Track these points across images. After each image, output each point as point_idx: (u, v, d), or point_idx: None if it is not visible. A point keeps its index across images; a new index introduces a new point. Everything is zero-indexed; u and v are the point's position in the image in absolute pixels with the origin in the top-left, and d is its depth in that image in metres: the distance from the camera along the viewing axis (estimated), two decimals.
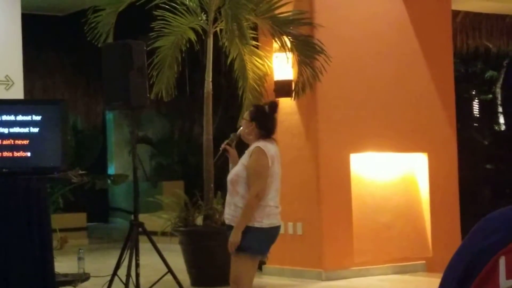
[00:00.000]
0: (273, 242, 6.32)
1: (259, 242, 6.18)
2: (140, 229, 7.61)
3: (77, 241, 13.66)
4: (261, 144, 6.18)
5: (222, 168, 10.82)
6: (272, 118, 6.34)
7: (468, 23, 13.00)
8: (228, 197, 6.30)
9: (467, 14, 12.64)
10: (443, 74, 10.74)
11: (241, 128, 6.44)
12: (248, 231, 6.12)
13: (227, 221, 6.31)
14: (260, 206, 6.14)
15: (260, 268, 10.46)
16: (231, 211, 6.21)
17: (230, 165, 6.50)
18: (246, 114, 6.43)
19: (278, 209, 6.27)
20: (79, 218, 14.97)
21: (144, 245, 7.74)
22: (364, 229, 10.01)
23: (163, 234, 9.98)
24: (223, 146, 6.52)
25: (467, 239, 1.15)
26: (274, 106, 6.45)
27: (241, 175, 6.17)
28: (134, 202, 7.95)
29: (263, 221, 6.14)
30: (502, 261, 1.04)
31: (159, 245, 7.75)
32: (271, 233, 6.26)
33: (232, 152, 6.47)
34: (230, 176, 6.28)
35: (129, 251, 7.49)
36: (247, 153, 6.26)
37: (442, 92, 10.66)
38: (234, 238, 6.08)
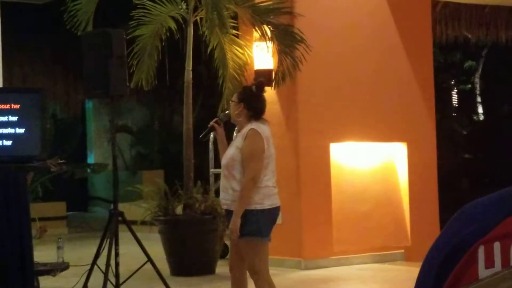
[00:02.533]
0: (275, 222, 6.25)
1: (265, 224, 6.10)
2: (119, 218, 7.59)
3: (56, 230, 13.61)
4: (255, 125, 6.12)
5: (203, 157, 10.83)
6: (261, 98, 6.30)
7: (447, 13, 13.04)
8: (224, 182, 6.21)
9: (447, 4, 12.67)
10: (423, 64, 10.77)
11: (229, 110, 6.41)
12: (251, 215, 6.05)
13: (225, 207, 6.23)
14: (259, 188, 6.08)
15: None
16: (229, 195, 6.13)
17: (219, 144, 6.48)
18: (234, 96, 6.38)
19: (276, 189, 6.23)
20: (59, 207, 14.92)
21: (124, 234, 7.72)
22: (344, 218, 10.04)
23: (143, 223, 9.96)
24: (211, 123, 6.48)
25: (445, 228, 1.15)
26: (261, 86, 6.41)
27: (236, 158, 6.10)
28: (114, 191, 7.92)
29: (264, 203, 6.08)
30: (481, 251, 1.05)
31: (138, 234, 7.73)
32: (273, 214, 6.20)
33: (220, 130, 6.43)
34: (225, 160, 6.20)
35: (108, 240, 7.47)
36: (240, 136, 6.18)
37: (421, 82, 10.70)
38: (234, 224, 6.01)
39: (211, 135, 8.03)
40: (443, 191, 11.27)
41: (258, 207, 6.05)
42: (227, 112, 6.51)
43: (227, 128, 6.72)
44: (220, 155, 6.47)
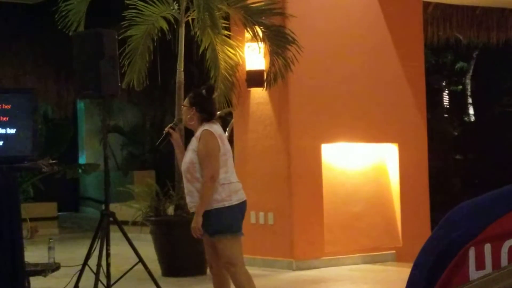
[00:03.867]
0: (243, 217, 6.43)
1: (236, 219, 6.29)
2: (111, 219, 7.58)
3: (47, 231, 13.59)
4: (207, 126, 6.29)
5: None
6: (211, 101, 6.46)
7: (439, 14, 13.06)
8: (188, 186, 6.34)
9: (438, 5, 12.70)
10: (414, 65, 10.79)
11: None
12: (221, 213, 6.21)
13: (193, 209, 6.37)
14: (224, 185, 6.25)
15: None
16: (194, 198, 6.28)
17: (176, 149, 6.62)
18: (185, 101, 6.51)
19: (240, 184, 6.41)
20: (50, 208, 14.90)
21: (115, 235, 7.72)
22: (335, 219, 10.05)
23: (134, 223, 9.96)
24: (166, 129, 6.63)
25: (436, 230, 1.16)
26: (210, 89, 6.59)
27: (195, 161, 6.26)
28: (105, 192, 7.91)
29: (232, 198, 6.25)
30: (471, 252, 1.05)
31: (130, 235, 7.72)
32: (241, 208, 6.37)
33: (176, 136, 6.58)
34: (185, 166, 6.35)
35: (99, 241, 7.46)
36: (194, 139, 6.35)
37: (413, 83, 10.72)
38: (196, 223, 6.18)
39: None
40: (434, 192, 11.30)
41: (227, 204, 6.22)
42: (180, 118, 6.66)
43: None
44: (178, 160, 6.64)
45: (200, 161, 6.22)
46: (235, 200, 6.25)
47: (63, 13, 9.45)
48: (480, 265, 1.04)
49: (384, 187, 10.56)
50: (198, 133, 6.30)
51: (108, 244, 7.45)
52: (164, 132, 6.65)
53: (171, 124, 6.66)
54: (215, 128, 6.31)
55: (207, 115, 6.33)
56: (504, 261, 1.04)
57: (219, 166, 6.23)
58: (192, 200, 6.33)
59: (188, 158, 6.33)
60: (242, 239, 6.39)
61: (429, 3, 12.41)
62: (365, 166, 10.45)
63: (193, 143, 6.34)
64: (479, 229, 1.09)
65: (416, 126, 10.74)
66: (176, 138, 6.58)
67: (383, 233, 10.42)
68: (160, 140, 6.69)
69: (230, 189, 6.25)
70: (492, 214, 1.10)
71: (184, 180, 6.42)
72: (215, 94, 6.68)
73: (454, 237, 1.11)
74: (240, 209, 6.33)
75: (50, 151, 12.72)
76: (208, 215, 6.20)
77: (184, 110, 6.48)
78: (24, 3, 14.86)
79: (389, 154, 10.59)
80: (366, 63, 10.34)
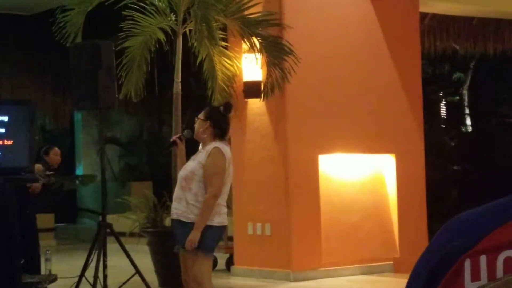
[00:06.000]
0: (219, 241, 6.60)
1: (211, 240, 6.34)
2: (108, 230, 7.58)
3: (44, 242, 13.53)
4: (219, 145, 6.32)
5: None
6: (226, 119, 6.49)
7: (436, 25, 13.10)
8: (178, 192, 6.37)
9: (435, 16, 12.73)
10: (411, 76, 10.81)
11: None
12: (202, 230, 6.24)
13: (175, 216, 6.37)
14: None
15: (228, 269, 10.46)
16: (182, 206, 6.30)
17: (178, 159, 6.66)
18: (201, 114, 6.54)
19: (226, 209, 6.46)
20: (47, 219, 14.86)
21: (112, 246, 7.71)
22: (332, 230, 10.05)
23: (131, 235, 9.94)
24: (174, 138, 6.74)
25: (432, 241, 1.16)
26: (228, 107, 6.60)
27: (196, 172, 6.27)
28: (102, 203, 7.91)
29: (214, 219, 6.29)
30: (467, 264, 1.05)
31: (127, 246, 7.72)
32: (220, 232, 6.46)
33: (181, 146, 6.66)
34: (184, 172, 6.36)
35: (96, 252, 7.45)
36: (204, 152, 6.34)
37: (410, 94, 10.73)
38: (194, 236, 6.18)
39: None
40: (432, 203, 11.29)
41: (208, 222, 6.25)
42: (190, 130, 6.71)
43: (193, 146, 6.85)
44: (178, 168, 6.67)
45: (207, 176, 6.25)
46: (216, 222, 6.29)
47: (61, 25, 9.45)
48: (475, 277, 1.04)
49: (382, 197, 10.56)
50: (208, 148, 6.32)
51: (105, 256, 7.45)
52: (171, 140, 6.72)
53: (180, 134, 6.77)
54: (226, 149, 6.37)
55: (220, 132, 6.39)
56: (499, 272, 1.04)
57: (222, 186, 6.29)
58: (177, 207, 6.35)
59: (190, 167, 6.34)
60: (212, 260, 6.47)
61: (426, 13, 12.45)
62: (362, 177, 10.45)
63: (201, 155, 6.36)
64: (475, 241, 1.09)
65: (413, 137, 10.74)
66: (181, 148, 6.66)
67: (381, 243, 10.41)
68: (165, 145, 6.79)
69: (215, 210, 6.29)
70: (488, 225, 1.10)
71: (177, 186, 6.44)
72: (231, 113, 6.72)
73: (450, 248, 1.11)
74: (218, 232, 6.40)
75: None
76: (189, 227, 6.22)
77: (198, 122, 6.49)
78: (21, 14, 14.87)
79: (386, 164, 10.59)
80: (363, 74, 10.35)
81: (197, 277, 6.30)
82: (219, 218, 6.31)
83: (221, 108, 6.56)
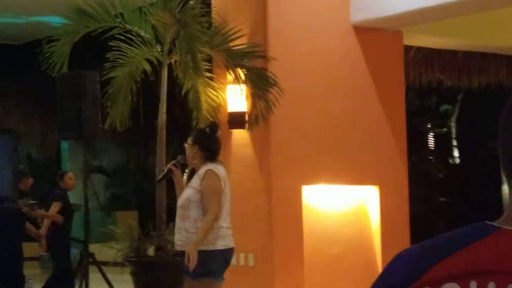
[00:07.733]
0: (228, 264, 6.34)
1: (218, 265, 6.21)
2: (90, 259, 7.59)
3: (29, 271, 13.50)
4: (212, 166, 6.25)
5: (174, 198, 10.77)
6: (215, 139, 6.42)
7: (420, 58, 13.20)
8: (178, 223, 6.29)
9: (420, 49, 12.83)
10: (395, 109, 10.87)
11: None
12: (204, 256, 6.14)
13: (179, 248, 6.30)
14: (213, 229, 6.17)
15: None
16: (182, 236, 6.22)
17: (176, 187, 6.57)
18: (189, 139, 6.49)
19: (230, 230, 6.31)
20: (32, 248, 14.81)
21: (96, 275, 7.72)
22: (316, 261, 10.05)
23: (115, 264, 9.92)
24: (169, 166, 6.62)
25: (381, 274, 1.20)
26: (214, 127, 6.55)
27: (192, 199, 6.19)
28: (85, 233, 7.93)
29: (217, 243, 6.18)
30: None
31: (110, 275, 7.73)
32: (226, 255, 6.30)
33: (177, 173, 6.55)
34: (180, 201, 6.28)
35: (78, 282, 7.46)
36: (197, 177, 6.27)
37: (393, 126, 10.79)
38: (192, 252, 6.03)
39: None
40: (418, 235, 11.29)
41: (211, 247, 6.17)
42: (183, 155, 6.62)
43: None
44: (177, 196, 6.56)
45: (206, 198, 6.16)
46: (220, 246, 6.19)
47: (47, 55, 9.50)
48: None
49: (365, 229, 10.58)
50: (201, 172, 6.24)
51: (87, 285, 7.46)
52: (166, 168, 6.64)
53: (174, 161, 6.65)
54: (220, 170, 6.28)
55: (209, 154, 6.30)
56: None
57: (221, 207, 6.20)
58: (179, 238, 6.26)
59: (186, 195, 6.27)
60: (222, 283, 6.32)
61: (411, 47, 12.54)
62: (346, 208, 10.47)
63: (195, 181, 6.27)
64: (420, 273, 1.14)
65: (396, 169, 10.79)
66: (178, 175, 6.54)
67: (364, 275, 10.41)
68: (161, 176, 6.71)
69: (218, 233, 6.18)
70: (433, 258, 1.15)
71: (177, 216, 6.36)
72: (219, 133, 6.65)
73: (395, 280, 1.15)
74: (224, 255, 6.25)
75: (33, 191, 12.69)
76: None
77: (187, 148, 6.42)
78: (8, 44, 14.93)
79: (369, 196, 10.62)
80: (347, 105, 10.41)
81: None
82: (223, 241, 6.21)
83: (207, 129, 6.52)
